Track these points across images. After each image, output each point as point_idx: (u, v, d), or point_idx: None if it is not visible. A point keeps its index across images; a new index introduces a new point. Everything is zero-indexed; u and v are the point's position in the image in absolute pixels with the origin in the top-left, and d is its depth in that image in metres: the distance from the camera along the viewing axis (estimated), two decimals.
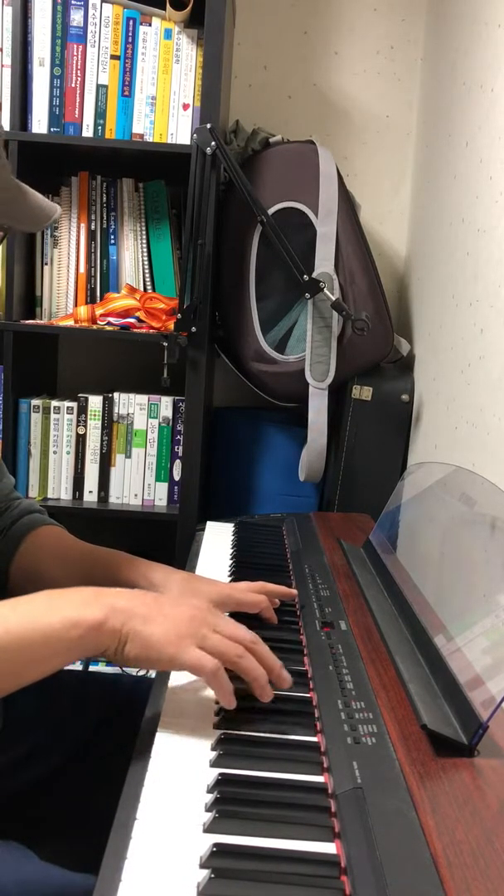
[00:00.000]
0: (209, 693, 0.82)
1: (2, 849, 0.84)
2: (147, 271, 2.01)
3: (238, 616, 0.98)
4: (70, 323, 1.95)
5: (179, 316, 1.83)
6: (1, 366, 1.92)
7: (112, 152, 1.93)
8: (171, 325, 1.85)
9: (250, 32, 2.17)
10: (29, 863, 0.83)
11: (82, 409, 1.98)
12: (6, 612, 0.77)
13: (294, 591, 1.07)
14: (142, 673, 1.57)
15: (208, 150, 1.77)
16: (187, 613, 0.79)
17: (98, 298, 2.01)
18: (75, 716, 1.12)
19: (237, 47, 2.17)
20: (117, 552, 1.10)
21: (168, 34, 1.85)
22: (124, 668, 1.56)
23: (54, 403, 1.99)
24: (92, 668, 1.87)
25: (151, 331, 1.90)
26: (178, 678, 0.85)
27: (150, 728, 0.77)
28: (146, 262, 2.01)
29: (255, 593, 1.01)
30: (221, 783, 0.67)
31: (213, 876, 0.56)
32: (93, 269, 2.01)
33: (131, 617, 0.77)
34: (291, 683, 0.81)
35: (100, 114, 1.87)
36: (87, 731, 1.12)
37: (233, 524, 1.53)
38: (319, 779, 0.69)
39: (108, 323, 1.93)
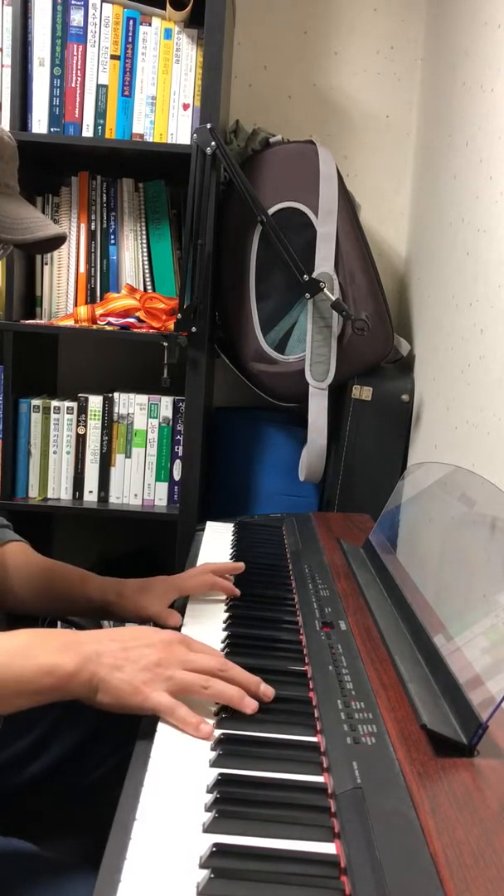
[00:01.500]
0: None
1: (3, 844, 0.84)
2: (147, 271, 2.01)
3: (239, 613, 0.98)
4: (70, 323, 1.95)
5: (179, 316, 1.83)
6: (1, 366, 1.92)
7: (112, 152, 1.93)
8: (171, 325, 1.85)
9: (250, 32, 2.17)
10: (30, 858, 0.83)
11: (82, 409, 1.98)
12: None
13: (241, 565, 1.17)
14: None
15: (208, 150, 1.77)
16: (155, 656, 0.80)
17: (98, 298, 2.01)
18: (75, 714, 1.12)
19: (237, 47, 2.17)
20: (74, 568, 1.16)
21: (168, 34, 1.85)
22: None
23: (54, 403, 1.99)
24: None
25: (151, 331, 1.90)
26: None
27: (149, 728, 0.77)
28: (146, 262, 2.01)
29: (200, 576, 1.13)
30: (221, 783, 0.67)
31: (212, 876, 0.56)
32: (93, 269, 2.01)
33: (100, 666, 0.79)
34: (273, 697, 0.82)
35: (100, 114, 1.87)
36: (88, 729, 1.12)
37: (233, 524, 1.53)
38: (319, 779, 0.69)
39: (108, 323, 1.93)
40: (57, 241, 0.98)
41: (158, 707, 0.77)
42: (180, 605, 1.10)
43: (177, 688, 0.79)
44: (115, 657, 0.80)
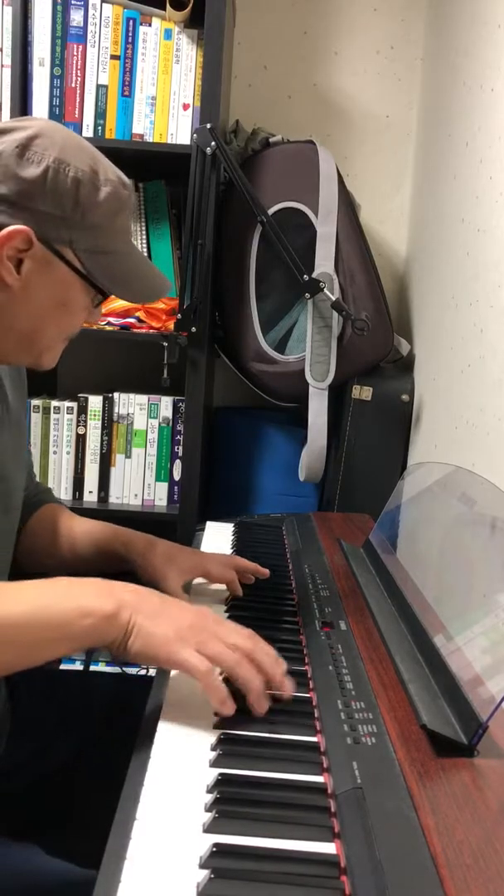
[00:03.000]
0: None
1: (8, 844, 0.84)
2: None
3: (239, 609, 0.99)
4: None
5: (179, 316, 1.83)
6: None
7: (112, 152, 1.91)
8: (171, 325, 1.85)
9: (250, 32, 2.17)
10: (34, 858, 0.83)
11: (82, 409, 1.98)
12: (28, 591, 0.80)
13: (266, 571, 1.15)
14: (142, 671, 1.57)
15: (208, 150, 1.77)
16: (190, 619, 0.81)
17: None
18: (79, 715, 1.12)
19: (237, 47, 2.17)
20: (104, 524, 1.18)
21: (168, 34, 1.85)
22: (123, 668, 1.56)
23: (54, 403, 1.99)
24: (93, 668, 1.87)
25: (151, 331, 1.90)
26: (178, 678, 0.86)
27: (149, 728, 0.77)
28: None
29: (226, 568, 1.11)
30: (221, 783, 0.67)
31: (212, 876, 0.56)
32: None
33: (138, 612, 0.79)
34: (293, 691, 0.81)
35: (100, 114, 1.87)
36: (90, 729, 1.13)
37: (233, 524, 1.52)
38: (319, 779, 0.69)
39: (108, 323, 1.93)
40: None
41: (190, 663, 0.77)
42: None
43: (208, 653, 0.78)
44: (153, 608, 0.80)
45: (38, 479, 1.19)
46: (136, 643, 0.78)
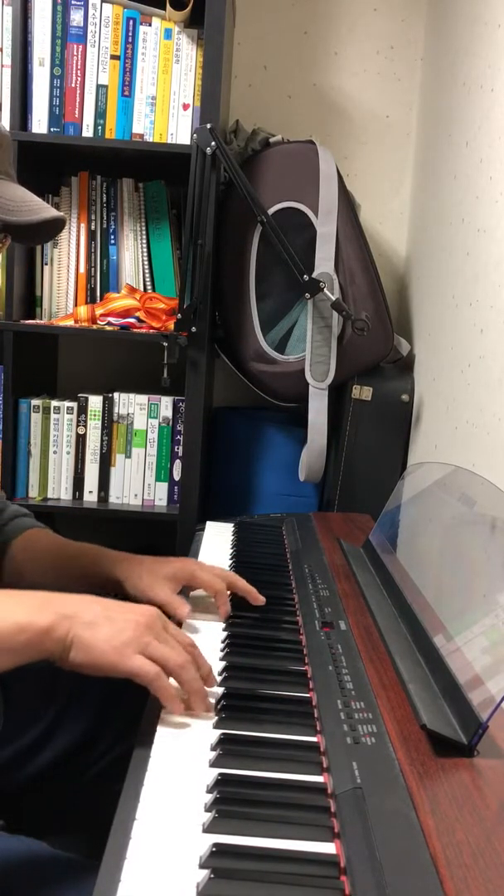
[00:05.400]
0: (209, 692, 0.82)
1: (11, 841, 0.83)
2: (147, 271, 2.01)
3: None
4: (70, 323, 1.95)
5: (179, 316, 1.83)
6: (1, 366, 1.92)
7: (112, 152, 1.93)
8: (171, 325, 1.85)
9: (250, 32, 2.17)
10: (39, 854, 0.83)
11: (82, 409, 1.98)
12: None
13: (262, 599, 1.09)
14: None
15: (208, 150, 1.77)
16: (132, 620, 0.80)
17: (98, 298, 2.01)
18: (75, 709, 1.12)
19: (237, 47, 2.17)
20: (89, 546, 1.15)
21: (168, 34, 1.85)
22: None
23: (54, 403, 1.99)
24: None
25: (151, 331, 1.90)
26: None
27: (149, 727, 0.77)
28: (146, 262, 2.01)
29: (216, 578, 1.07)
30: (221, 783, 0.67)
31: (212, 876, 0.56)
32: (93, 269, 2.01)
33: (76, 623, 0.78)
34: (217, 683, 0.83)
35: (100, 114, 1.87)
36: (88, 723, 1.12)
37: (233, 524, 1.53)
38: (319, 779, 0.69)
39: (108, 323, 1.93)
40: (57, 227, 0.98)
41: (138, 669, 0.76)
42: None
43: (153, 656, 0.78)
44: (93, 616, 0.79)
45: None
46: (78, 655, 0.77)
